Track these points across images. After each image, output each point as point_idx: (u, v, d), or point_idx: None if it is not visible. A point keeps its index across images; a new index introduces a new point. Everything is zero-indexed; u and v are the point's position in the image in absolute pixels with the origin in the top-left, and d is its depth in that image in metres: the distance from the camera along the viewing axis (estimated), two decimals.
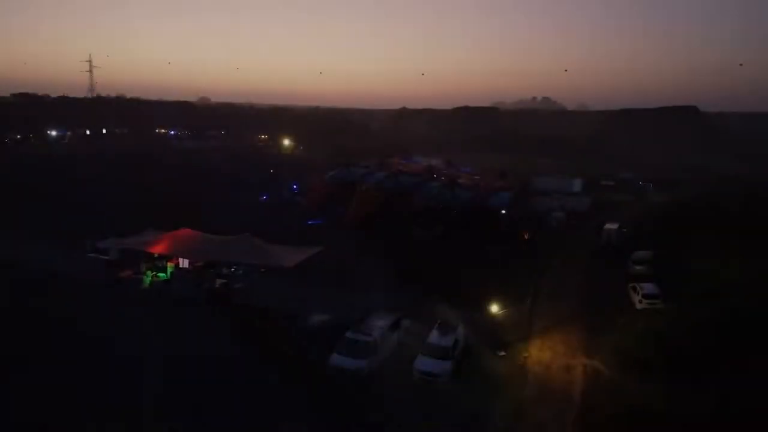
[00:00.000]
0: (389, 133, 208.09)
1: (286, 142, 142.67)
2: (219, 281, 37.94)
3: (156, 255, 39.21)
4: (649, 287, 36.80)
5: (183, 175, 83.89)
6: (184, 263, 39.74)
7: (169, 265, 39.45)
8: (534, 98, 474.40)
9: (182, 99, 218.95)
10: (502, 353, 30.42)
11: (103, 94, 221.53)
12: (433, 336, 28.30)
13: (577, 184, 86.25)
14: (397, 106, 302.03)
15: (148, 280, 39.05)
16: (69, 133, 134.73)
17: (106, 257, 42.24)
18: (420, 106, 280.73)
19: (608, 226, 51.78)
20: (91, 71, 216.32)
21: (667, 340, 29.22)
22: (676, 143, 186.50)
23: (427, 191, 56.67)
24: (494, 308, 31.43)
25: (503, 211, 55.76)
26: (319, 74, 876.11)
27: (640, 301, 36.06)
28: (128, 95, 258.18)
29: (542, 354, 30.93)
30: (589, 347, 31.33)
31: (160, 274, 39.24)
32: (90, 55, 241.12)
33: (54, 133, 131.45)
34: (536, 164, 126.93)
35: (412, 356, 27.86)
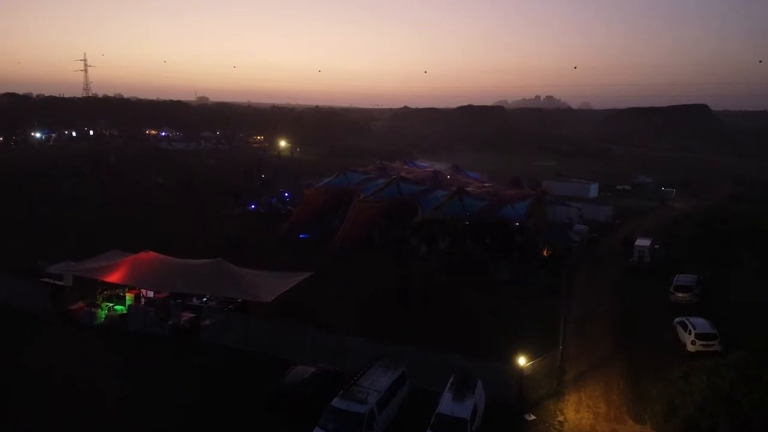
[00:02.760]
0: (390, 133, 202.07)
1: (283, 143, 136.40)
2: (186, 315, 31.71)
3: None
4: (702, 325, 30.54)
5: (166, 181, 77.82)
6: (148, 293, 33.52)
7: (129, 296, 33.21)
8: (537, 97, 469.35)
9: (181, 99, 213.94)
10: (532, 417, 24.22)
11: (100, 93, 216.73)
12: (446, 402, 21.98)
13: (593, 190, 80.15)
14: (398, 105, 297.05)
15: (103, 313, 32.79)
16: (54, 134, 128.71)
17: (60, 283, 36.06)
18: (422, 105, 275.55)
19: (640, 242, 45.36)
20: (86, 70, 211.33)
21: (743, 405, 22.94)
22: (687, 143, 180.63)
23: (432, 201, 50.34)
24: (521, 358, 25.16)
25: (517, 224, 49.28)
26: (318, 72, 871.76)
27: (693, 342, 29.80)
28: (126, 95, 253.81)
29: (581, 416, 24.70)
30: (638, 407, 25.19)
31: (117, 307, 33.00)
32: (85, 54, 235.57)
33: (38, 135, 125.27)
34: (544, 166, 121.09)
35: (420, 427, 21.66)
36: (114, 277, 32.32)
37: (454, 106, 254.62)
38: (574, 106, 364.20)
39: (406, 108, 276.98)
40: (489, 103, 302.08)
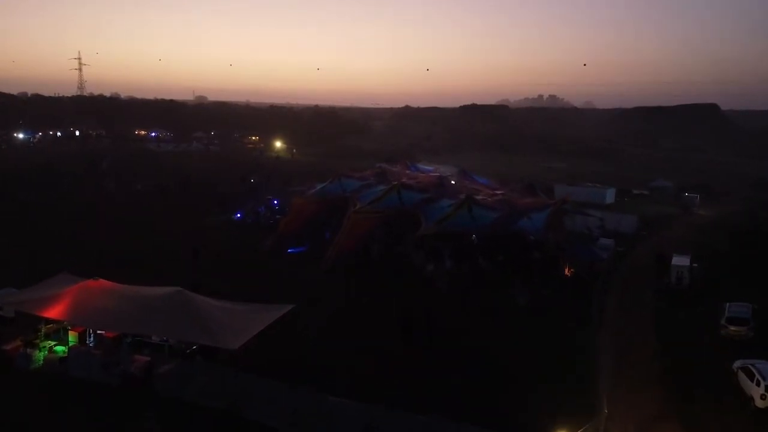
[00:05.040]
0: (391, 132, 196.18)
1: (278, 144, 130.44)
2: (139, 359, 25.95)
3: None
4: None
5: (145, 186, 72.11)
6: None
7: (72, 335, 27.48)
8: (540, 96, 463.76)
9: (179, 98, 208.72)
10: None
11: (96, 93, 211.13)
12: None
13: (609, 195, 74.26)
14: (400, 104, 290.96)
15: (41, 355, 27.07)
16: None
17: (1, 313, 30.44)
18: (423, 104, 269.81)
19: (677, 261, 39.42)
20: (80, 69, 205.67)
21: None
22: (694, 143, 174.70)
23: (438, 211, 44.52)
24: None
25: (533, 238, 43.39)
26: (317, 70, 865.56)
27: (763, 397, 23.96)
28: (123, 94, 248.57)
29: None
30: None
31: (57, 348, 27.28)
32: (79, 52, 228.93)
33: (21, 135, 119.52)
34: (550, 168, 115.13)
35: None
36: (54, 312, 26.66)
37: (457, 105, 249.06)
38: (578, 105, 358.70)
39: (407, 107, 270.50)
40: (492, 102, 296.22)
